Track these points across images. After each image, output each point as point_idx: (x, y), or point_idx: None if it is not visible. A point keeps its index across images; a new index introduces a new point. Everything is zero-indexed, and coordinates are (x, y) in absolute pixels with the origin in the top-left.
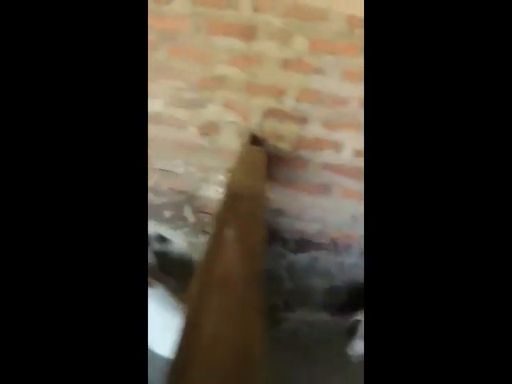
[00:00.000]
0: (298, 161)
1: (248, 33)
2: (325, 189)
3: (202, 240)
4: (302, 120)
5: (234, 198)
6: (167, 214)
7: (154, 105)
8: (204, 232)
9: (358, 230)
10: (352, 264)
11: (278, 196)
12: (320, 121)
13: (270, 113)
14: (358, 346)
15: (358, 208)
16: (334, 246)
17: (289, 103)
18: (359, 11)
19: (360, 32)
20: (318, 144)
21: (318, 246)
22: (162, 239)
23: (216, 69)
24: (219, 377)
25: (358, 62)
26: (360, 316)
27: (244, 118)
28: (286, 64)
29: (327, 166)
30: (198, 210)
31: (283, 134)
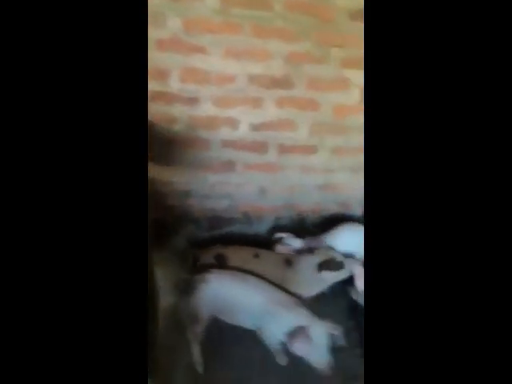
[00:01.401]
0: (198, 141)
1: None
2: (229, 165)
3: None
4: (192, 100)
5: None
6: None
7: None
8: None
9: (267, 201)
10: (264, 232)
11: (184, 178)
12: (211, 99)
13: (156, 96)
14: None
15: (262, 179)
16: (246, 219)
17: (174, 85)
18: None
19: (236, 10)
20: (213, 122)
21: (231, 221)
22: None
23: None
24: None
25: (239, 39)
26: None
27: None
28: (161, 45)
29: (227, 143)
30: None
31: (175, 116)
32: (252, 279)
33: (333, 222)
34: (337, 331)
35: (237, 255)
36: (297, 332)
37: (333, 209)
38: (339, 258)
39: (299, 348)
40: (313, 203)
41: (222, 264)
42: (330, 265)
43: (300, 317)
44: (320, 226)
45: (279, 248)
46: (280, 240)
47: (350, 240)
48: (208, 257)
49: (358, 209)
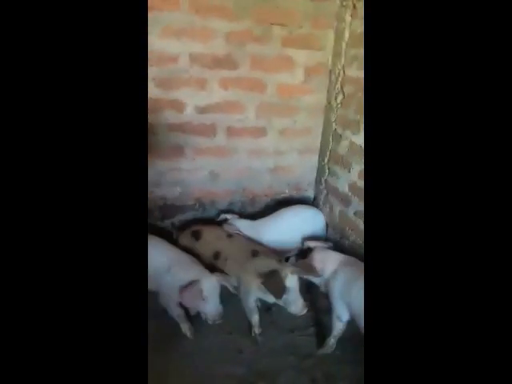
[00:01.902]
0: None
1: None
2: (178, 150)
3: None
4: None
5: None
6: None
7: None
8: None
9: (219, 185)
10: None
11: None
12: (152, 80)
13: None
14: None
15: (213, 163)
16: (199, 205)
17: None
18: None
19: None
20: (157, 105)
21: (183, 209)
22: None
23: None
24: None
25: (178, 17)
26: None
27: None
28: None
29: (173, 127)
30: None
31: None
32: (155, 241)
33: (286, 204)
34: (228, 282)
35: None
36: (188, 285)
37: (285, 191)
38: None
39: (188, 299)
40: (265, 186)
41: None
42: None
43: (194, 272)
44: (274, 209)
45: (226, 228)
46: (225, 221)
47: (303, 221)
48: None
49: (310, 190)
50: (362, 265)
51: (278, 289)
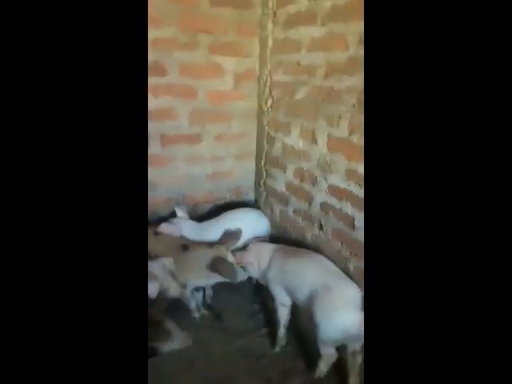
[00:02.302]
0: None
1: None
2: None
3: None
4: None
5: None
6: None
7: None
8: None
9: (159, 194)
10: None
11: None
12: None
13: None
14: None
15: (150, 173)
16: None
17: None
18: None
19: None
20: None
21: None
22: None
23: None
24: None
25: None
26: None
27: None
28: None
29: None
30: None
31: None
32: None
33: (228, 209)
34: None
35: None
36: None
37: (225, 196)
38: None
39: None
40: (205, 192)
41: None
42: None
43: None
44: (215, 214)
45: (163, 227)
46: (171, 216)
47: (247, 224)
48: None
49: (250, 193)
50: (293, 248)
51: (228, 270)
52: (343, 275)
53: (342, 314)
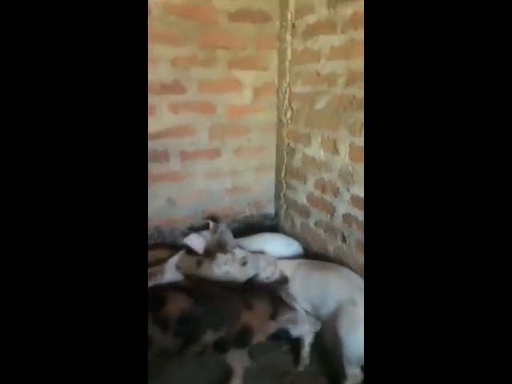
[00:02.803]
0: None
1: None
2: None
3: None
4: None
5: None
6: None
7: None
8: None
9: (177, 211)
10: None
11: None
12: None
13: None
14: None
15: (169, 190)
16: (158, 233)
17: None
18: None
19: None
20: None
21: None
22: None
23: None
24: None
25: None
26: None
27: None
28: None
29: None
30: None
31: None
32: None
33: (247, 224)
34: None
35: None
36: None
37: (245, 211)
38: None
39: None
40: (225, 207)
41: None
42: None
43: None
44: (236, 229)
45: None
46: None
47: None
48: None
49: (270, 206)
50: (316, 262)
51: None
52: None
53: None
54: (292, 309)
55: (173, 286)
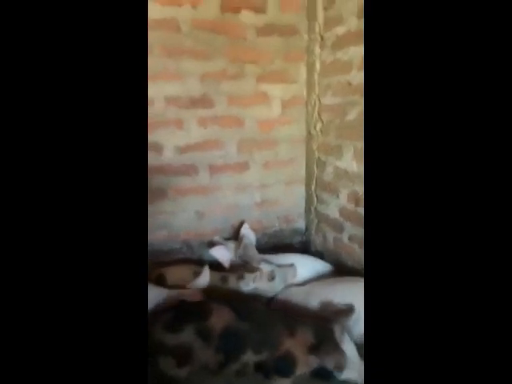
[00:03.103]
0: None
1: None
2: (160, 192)
3: None
4: None
5: None
6: None
7: None
8: None
9: (206, 224)
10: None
11: None
12: None
13: None
14: None
15: (197, 203)
16: (187, 247)
17: None
18: None
19: None
20: None
21: (171, 253)
22: None
23: None
24: None
25: (150, 61)
26: None
27: None
28: None
29: (153, 170)
30: None
31: None
32: None
33: (277, 239)
34: None
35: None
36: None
37: (275, 225)
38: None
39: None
40: (254, 221)
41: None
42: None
43: None
44: (266, 244)
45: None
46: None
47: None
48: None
49: (300, 221)
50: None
51: None
52: None
53: None
54: (338, 349)
55: (216, 299)
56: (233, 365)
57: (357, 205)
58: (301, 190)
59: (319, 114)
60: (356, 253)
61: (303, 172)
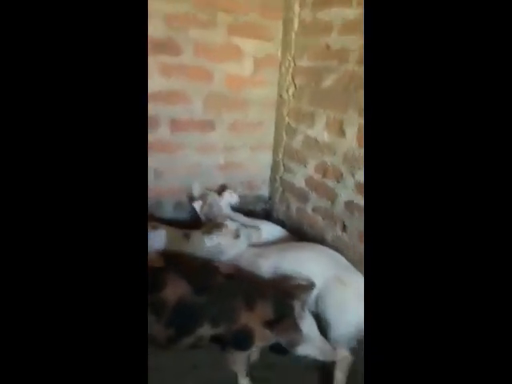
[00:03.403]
0: None
1: None
2: None
3: None
4: None
5: None
6: None
7: None
8: None
9: (164, 184)
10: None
11: None
12: None
13: None
14: None
15: (156, 160)
16: None
17: None
18: None
19: None
20: None
21: None
22: None
23: None
24: None
25: None
26: None
27: None
28: None
29: None
30: None
31: None
32: None
33: (240, 204)
34: None
35: None
36: None
37: (237, 189)
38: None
39: None
40: (216, 185)
41: None
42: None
43: None
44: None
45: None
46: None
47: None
48: None
49: (264, 188)
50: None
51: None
52: (353, 268)
53: (357, 309)
54: (295, 326)
55: (174, 270)
56: (186, 338)
57: (324, 176)
58: (267, 157)
59: (293, 78)
60: (319, 225)
61: (271, 138)
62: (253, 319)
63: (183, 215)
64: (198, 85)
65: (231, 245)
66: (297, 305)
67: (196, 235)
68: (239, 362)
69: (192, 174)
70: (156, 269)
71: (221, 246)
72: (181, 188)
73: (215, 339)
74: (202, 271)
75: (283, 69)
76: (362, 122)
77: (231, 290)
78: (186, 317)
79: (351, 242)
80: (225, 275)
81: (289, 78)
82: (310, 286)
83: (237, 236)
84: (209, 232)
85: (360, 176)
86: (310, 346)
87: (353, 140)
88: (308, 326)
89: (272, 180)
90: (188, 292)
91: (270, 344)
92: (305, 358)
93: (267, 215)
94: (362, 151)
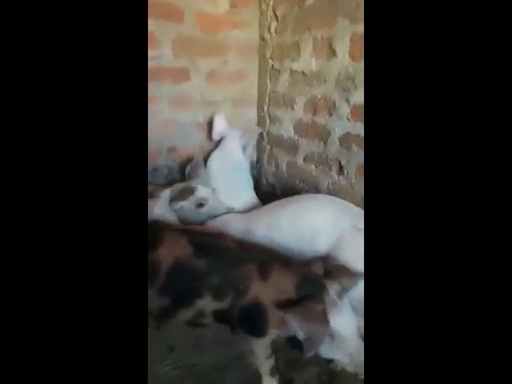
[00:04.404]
0: None
1: None
2: None
3: None
4: None
5: None
6: None
7: None
8: None
9: None
10: None
11: None
12: None
13: None
14: None
15: None
16: None
17: None
18: None
19: None
20: None
21: None
22: None
23: None
24: None
25: None
26: None
27: None
28: None
29: None
30: None
31: None
32: None
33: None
34: None
35: None
36: None
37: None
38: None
39: None
40: (196, 146)
41: None
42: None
43: None
44: None
45: None
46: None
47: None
48: None
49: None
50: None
51: None
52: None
53: None
54: (321, 316)
55: (174, 227)
56: (183, 311)
57: (315, 113)
58: (252, 113)
59: (274, 10)
60: (312, 176)
61: (255, 90)
62: (266, 292)
63: (160, 181)
64: (166, 24)
65: (191, 213)
66: (332, 287)
67: (161, 194)
68: (259, 354)
69: (168, 133)
70: (153, 223)
71: (184, 212)
72: (156, 151)
73: (221, 317)
74: (206, 233)
75: (263, 5)
76: (355, 29)
77: (240, 255)
78: (182, 283)
79: (350, 182)
80: (233, 239)
81: (270, 12)
82: (358, 274)
83: (199, 205)
84: (174, 193)
85: (356, 98)
86: (340, 348)
87: (344, 56)
88: (342, 320)
89: (259, 140)
90: (187, 253)
91: (287, 335)
92: (330, 362)
93: (256, 183)
94: (356, 66)
